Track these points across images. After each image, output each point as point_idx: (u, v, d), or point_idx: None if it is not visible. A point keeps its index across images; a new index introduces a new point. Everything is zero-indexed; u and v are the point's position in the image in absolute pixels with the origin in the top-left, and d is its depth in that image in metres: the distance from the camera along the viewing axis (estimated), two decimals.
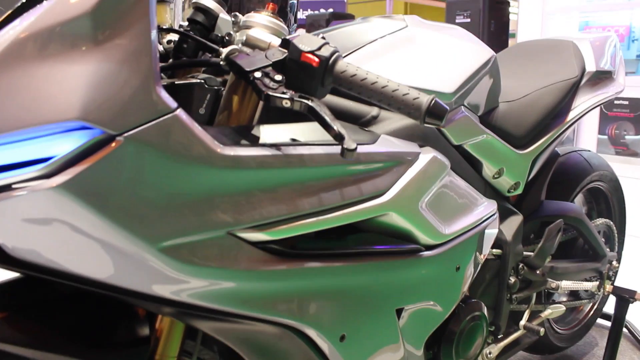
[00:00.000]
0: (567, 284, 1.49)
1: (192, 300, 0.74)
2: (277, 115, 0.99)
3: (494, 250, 1.33)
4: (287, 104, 0.76)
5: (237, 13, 0.92)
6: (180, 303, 0.74)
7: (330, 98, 1.02)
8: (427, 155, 0.97)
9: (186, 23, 0.99)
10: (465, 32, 1.22)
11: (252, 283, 0.78)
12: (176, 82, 0.88)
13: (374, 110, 1.01)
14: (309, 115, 0.76)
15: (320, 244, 0.85)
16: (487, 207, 1.20)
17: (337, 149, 0.83)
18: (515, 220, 1.38)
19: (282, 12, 1.37)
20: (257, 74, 0.78)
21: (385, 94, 0.77)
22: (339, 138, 0.73)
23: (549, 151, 1.51)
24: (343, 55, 1.04)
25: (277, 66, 0.81)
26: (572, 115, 1.51)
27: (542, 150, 1.44)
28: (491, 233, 1.22)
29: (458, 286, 1.10)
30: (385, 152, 0.90)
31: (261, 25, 0.89)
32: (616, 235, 1.90)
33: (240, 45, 0.88)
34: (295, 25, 1.30)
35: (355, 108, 1.01)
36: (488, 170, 1.29)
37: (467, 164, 1.22)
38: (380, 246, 0.92)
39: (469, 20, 3.91)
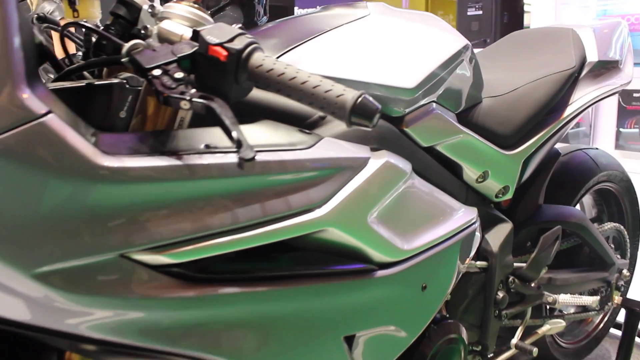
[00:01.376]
0: (564, 299, 1.35)
1: (88, 333, 0.65)
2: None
3: (477, 262, 1.20)
4: (185, 105, 0.65)
5: (154, 4, 0.82)
6: (73, 336, 0.65)
7: (272, 97, 0.90)
8: (378, 160, 0.84)
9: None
10: (438, 20, 1.09)
11: (157, 312, 0.67)
12: (96, 83, 0.79)
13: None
14: (209, 117, 0.65)
15: (241, 266, 0.74)
16: (464, 215, 1.07)
17: (259, 157, 0.72)
18: (504, 229, 1.25)
19: (250, 3, 1.26)
20: (156, 72, 0.67)
21: (305, 91, 0.66)
22: (237, 145, 0.61)
23: (544, 150, 1.36)
24: (292, 46, 0.93)
25: (186, 62, 0.70)
26: (570, 110, 1.36)
27: (535, 149, 1.30)
28: (470, 244, 1.09)
29: (426, 307, 0.97)
30: (323, 159, 0.78)
31: (179, 17, 0.78)
32: (628, 240, 1.74)
33: (156, 39, 0.77)
34: (266, 18, 1.19)
35: (301, 108, 0.89)
36: (470, 173, 1.15)
37: (442, 168, 1.09)
38: (321, 267, 0.80)
39: (480, 12, 3.74)
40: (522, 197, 1.41)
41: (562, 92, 1.34)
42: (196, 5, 0.79)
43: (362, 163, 0.82)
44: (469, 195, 1.18)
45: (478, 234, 1.12)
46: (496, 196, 1.25)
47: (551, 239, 1.32)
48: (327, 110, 0.66)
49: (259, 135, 0.77)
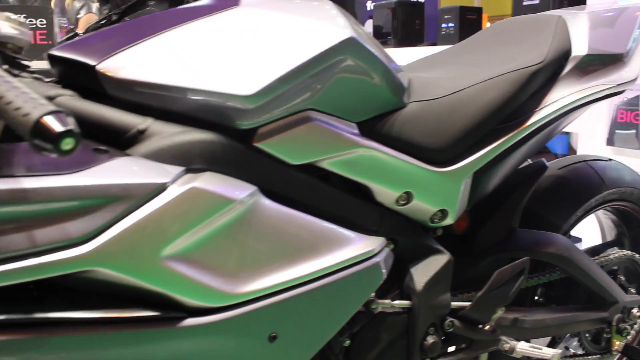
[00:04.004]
0: (523, 347, 1.10)
1: None
2: None
3: (396, 302, 1.00)
4: None
5: None
6: None
7: (90, 106, 0.77)
8: (181, 186, 0.69)
9: None
10: (328, 10, 0.90)
11: None
12: None
13: (143, 123, 0.75)
14: None
15: None
16: (358, 246, 0.89)
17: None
18: (436, 261, 1.03)
19: None
20: None
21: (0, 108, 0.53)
22: None
23: (507, 165, 1.13)
24: (126, 47, 0.80)
25: None
26: (540, 115, 1.11)
27: (487, 165, 1.07)
28: (369, 281, 0.91)
29: None
30: (87, 186, 0.63)
31: None
32: None
33: None
34: None
35: (121, 119, 0.76)
36: (384, 195, 0.96)
37: (331, 189, 0.90)
38: (101, 312, 0.67)
39: (537, 1, 3.37)
40: (486, 220, 1.18)
41: (525, 93, 1.09)
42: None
43: (153, 190, 0.67)
44: (386, 220, 0.98)
45: (383, 270, 0.92)
46: (432, 221, 1.04)
47: (510, 274, 1.08)
48: (21, 133, 0.52)
49: (21, 156, 0.65)
